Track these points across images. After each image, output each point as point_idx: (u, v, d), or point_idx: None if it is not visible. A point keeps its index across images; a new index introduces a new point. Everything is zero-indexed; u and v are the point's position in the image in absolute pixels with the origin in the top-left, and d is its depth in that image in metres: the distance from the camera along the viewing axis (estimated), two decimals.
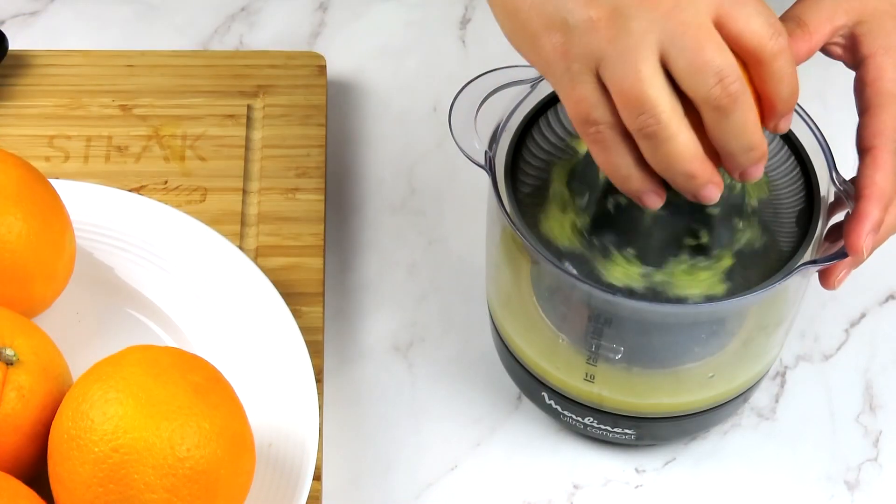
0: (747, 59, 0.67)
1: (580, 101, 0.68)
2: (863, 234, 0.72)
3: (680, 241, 0.74)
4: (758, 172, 0.69)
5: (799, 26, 0.72)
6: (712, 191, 0.69)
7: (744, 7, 0.67)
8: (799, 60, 0.71)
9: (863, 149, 0.73)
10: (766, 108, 0.69)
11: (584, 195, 0.76)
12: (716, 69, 0.66)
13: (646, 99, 0.66)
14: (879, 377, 0.87)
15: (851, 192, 0.74)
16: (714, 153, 0.69)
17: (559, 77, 0.69)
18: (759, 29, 0.67)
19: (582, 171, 0.76)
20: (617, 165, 0.69)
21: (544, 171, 0.77)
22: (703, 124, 0.68)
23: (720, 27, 0.67)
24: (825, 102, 0.95)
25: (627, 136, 0.68)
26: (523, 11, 0.69)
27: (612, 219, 0.75)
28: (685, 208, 0.73)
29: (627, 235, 0.74)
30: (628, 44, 0.66)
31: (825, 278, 0.75)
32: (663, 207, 0.71)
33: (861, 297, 0.90)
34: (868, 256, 0.73)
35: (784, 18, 0.73)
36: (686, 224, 0.74)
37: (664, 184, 0.70)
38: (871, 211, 0.72)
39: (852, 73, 0.75)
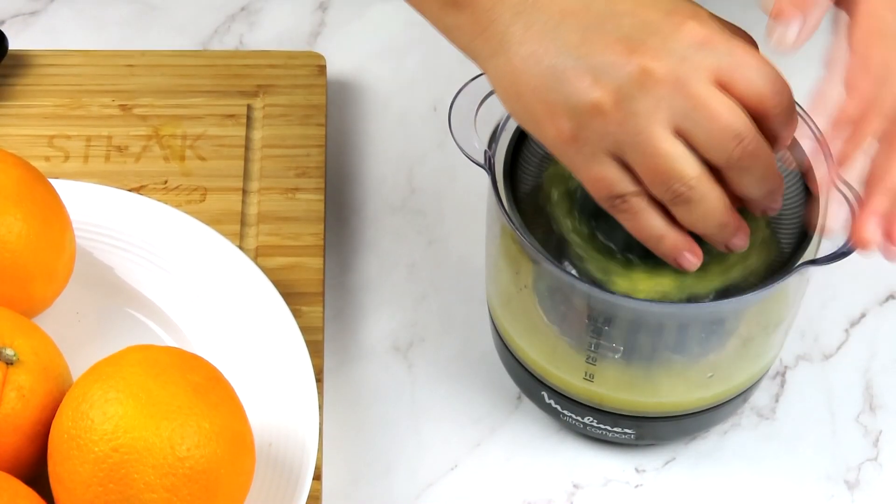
0: (752, 114, 0.68)
1: (600, 181, 0.69)
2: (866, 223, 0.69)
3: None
4: (778, 206, 0.71)
5: None
6: (743, 238, 0.71)
7: (745, 69, 0.67)
8: (812, 22, 0.68)
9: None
10: (770, 143, 0.70)
11: (584, 194, 0.76)
12: (733, 133, 0.67)
13: (673, 171, 0.67)
14: (879, 377, 0.87)
15: (852, 191, 0.74)
16: (737, 198, 0.70)
17: (571, 159, 0.70)
18: (761, 89, 0.68)
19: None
20: (649, 229, 0.70)
21: (544, 170, 0.77)
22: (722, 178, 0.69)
23: (723, 88, 0.67)
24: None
25: (653, 200, 0.69)
26: (526, 97, 0.69)
27: (611, 218, 0.75)
28: None
29: (627, 234, 0.74)
30: (640, 125, 0.67)
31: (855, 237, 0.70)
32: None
33: (861, 297, 0.90)
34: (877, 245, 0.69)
35: None
36: None
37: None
38: (880, 201, 0.70)
39: None
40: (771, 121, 0.68)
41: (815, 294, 0.88)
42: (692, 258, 0.71)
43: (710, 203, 0.68)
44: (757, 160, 0.68)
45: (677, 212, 0.69)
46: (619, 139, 0.68)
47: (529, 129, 0.71)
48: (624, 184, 0.69)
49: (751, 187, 0.69)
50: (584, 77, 0.67)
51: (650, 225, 0.70)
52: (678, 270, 0.74)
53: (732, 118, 0.67)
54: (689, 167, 0.67)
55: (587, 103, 0.67)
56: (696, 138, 0.67)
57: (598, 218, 0.75)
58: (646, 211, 0.70)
